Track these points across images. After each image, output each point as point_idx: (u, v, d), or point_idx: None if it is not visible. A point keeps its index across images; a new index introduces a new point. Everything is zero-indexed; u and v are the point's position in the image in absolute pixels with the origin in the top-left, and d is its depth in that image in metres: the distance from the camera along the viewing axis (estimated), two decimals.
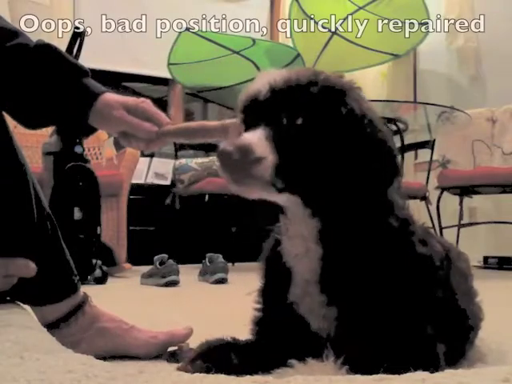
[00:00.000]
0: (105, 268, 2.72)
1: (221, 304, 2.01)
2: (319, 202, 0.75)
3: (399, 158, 0.78)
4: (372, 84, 5.17)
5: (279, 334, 0.82)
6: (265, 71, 0.80)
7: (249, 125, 0.75)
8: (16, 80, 0.91)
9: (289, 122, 0.73)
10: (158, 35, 4.89)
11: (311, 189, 0.73)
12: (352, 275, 0.75)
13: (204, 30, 4.25)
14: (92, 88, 0.92)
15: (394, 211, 0.77)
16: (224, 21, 5.15)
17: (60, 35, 4.32)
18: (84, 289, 1.06)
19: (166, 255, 2.83)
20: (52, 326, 0.99)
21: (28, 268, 0.89)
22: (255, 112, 0.76)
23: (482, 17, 4.37)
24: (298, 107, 0.73)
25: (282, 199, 0.75)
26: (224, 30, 4.36)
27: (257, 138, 0.70)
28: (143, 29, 5.00)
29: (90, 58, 3.63)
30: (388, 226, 0.76)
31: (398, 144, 3.33)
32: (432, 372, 0.58)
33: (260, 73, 0.80)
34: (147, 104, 0.92)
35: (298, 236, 0.78)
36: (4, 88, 0.91)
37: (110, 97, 0.92)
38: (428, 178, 3.75)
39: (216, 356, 0.81)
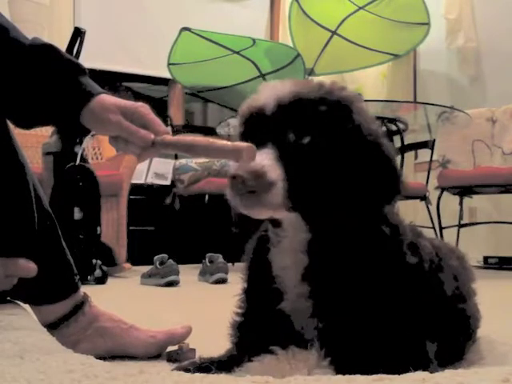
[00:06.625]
0: (105, 268, 2.72)
1: (221, 304, 2.01)
2: (320, 218, 0.74)
3: (402, 173, 0.77)
4: (372, 84, 5.17)
5: (262, 339, 0.80)
6: (269, 84, 0.78)
7: (252, 139, 0.73)
8: (7, 76, 0.88)
9: (296, 140, 0.72)
10: (158, 35, 4.89)
11: (315, 206, 0.72)
12: (340, 284, 0.75)
13: (204, 30, 4.25)
14: (88, 87, 0.89)
15: (388, 221, 0.77)
16: (224, 21, 5.15)
17: (60, 35, 4.32)
18: (84, 289, 1.06)
19: (166, 255, 2.83)
20: (52, 326, 0.99)
21: (28, 268, 0.89)
22: (260, 127, 0.74)
23: (482, 17, 4.37)
24: (306, 125, 0.72)
25: (285, 216, 0.75)
26: (224, 30, 4.36)
27: (268, 161, 0.69)
28: (143, 29, 5.01)
29: (90, 58, 3.63)
30: (379, 237, 0.76)
31: (397, 144, 3.33)
32: (430, 372, 0.58)
33: (264, 85, 0.78)
34: (145, 109, 0.87)
35: (289, 248, 0.78)
36: None
37: (107, 99, 0.88)
38: (428, 177, 3.75)
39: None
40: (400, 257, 0.77)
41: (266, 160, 0.69)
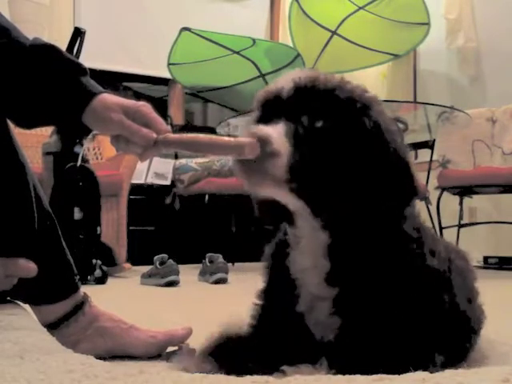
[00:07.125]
0: (105, 268, 2.72)
1: (221, 304, 2.01)
2: (329, 213, 0.73)
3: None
4: (372, 84, 5.17)
5: (278, 340, 0.80)
6: (288, 72, 0.78)
7: (267, 121, 0.73)
8: (8, 76, 0.88)
9: (310, 122, 0.71)
10: (158, 35, 4.89)
11: (323, 196, 0.71)
12: (360, 288, 0.74)
13: (204, 29, 4.25)
14: (90, 87, 0.89)
15: (408, 224, 0.76)
16: (224, 21, 5.15)
17: (60, 35, 4.32)
18: (84, 289, 1.06)
19: (166, 255, 2.83)
20: (52, 326, 0.99)
21: (28, 268, 0.89)
22: (276, 108, 0.74)
23: (482, 17, 4.37)
24: (322, 109, 0.71)
25: (292, 202, 0.73)
26: (224, 30, 4.37)
27: (276, 132, 0.69)
28: (143, 29, 5.01)
29: (90, 58, 3.63)
30: (399, 239, 0.75)
31: None
32: (430, 372, 0.58)
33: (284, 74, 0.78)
34: (147, 108, 0.86)
35: (308, 250, 0.77)
36: None
37: (109, 98, 0.88)
38: (428, 177, 3.75)
39: (222, 355, 0.79)
40: (423, 260, 0.76)
41: (273, 130, 0.69)
